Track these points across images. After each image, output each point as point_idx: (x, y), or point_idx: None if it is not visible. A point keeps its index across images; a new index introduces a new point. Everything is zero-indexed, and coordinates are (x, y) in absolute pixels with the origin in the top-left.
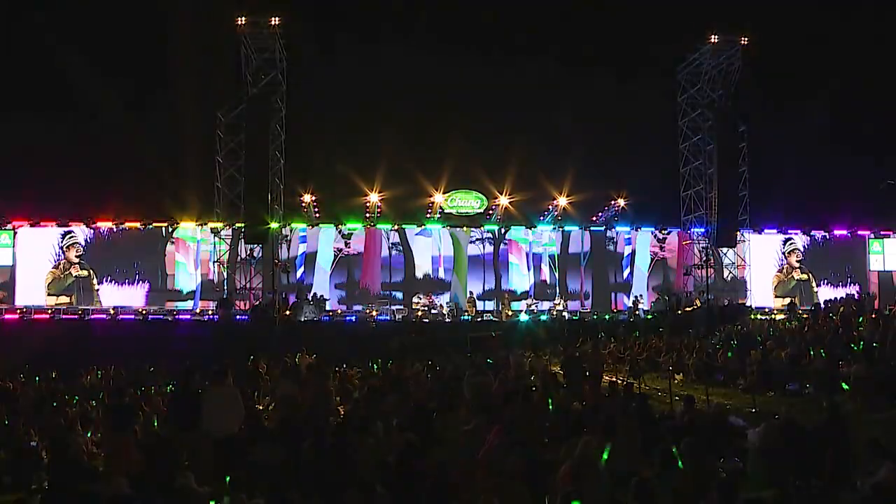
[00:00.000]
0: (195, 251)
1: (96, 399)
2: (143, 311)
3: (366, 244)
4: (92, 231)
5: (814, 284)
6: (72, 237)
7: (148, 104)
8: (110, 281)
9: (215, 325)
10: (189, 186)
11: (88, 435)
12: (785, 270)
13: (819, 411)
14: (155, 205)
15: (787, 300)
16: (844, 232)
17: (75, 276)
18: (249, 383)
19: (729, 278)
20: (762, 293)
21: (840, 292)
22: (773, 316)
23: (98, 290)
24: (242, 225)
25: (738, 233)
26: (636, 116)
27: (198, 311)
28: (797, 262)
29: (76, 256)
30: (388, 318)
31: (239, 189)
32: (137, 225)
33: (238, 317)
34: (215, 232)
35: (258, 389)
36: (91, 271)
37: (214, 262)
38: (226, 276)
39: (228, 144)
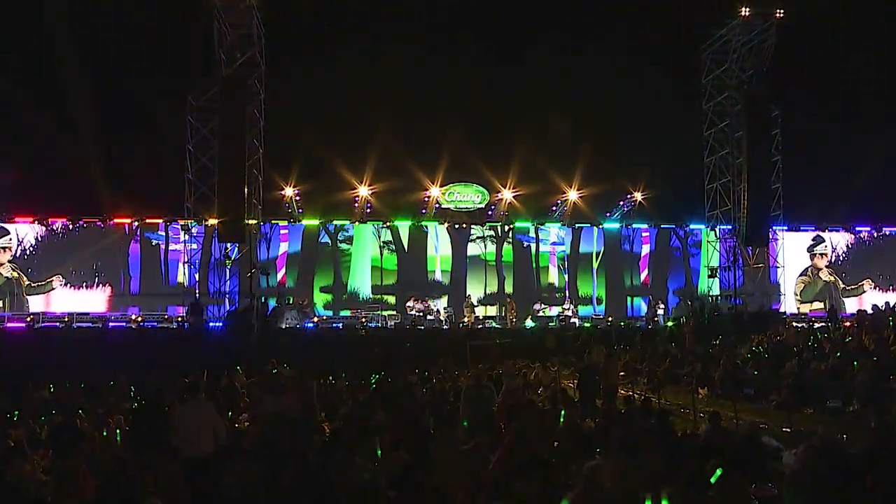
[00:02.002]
0: (162, 251)
1: (46, 417)
2: (103, 318)
3: (354, 243)
4: (44, 229)
5: (842, 286)
6: None
7: (108, 84)
8: (65, 285)
9: (185, 334)
10: (156, 178)
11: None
12: (811, 272)
13: (866, 432)
14: (117, 199)
15: (816, 305)
16: (895, 229)
17: (6, 277)
18: (224, 398)
19: (759, 281)
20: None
21: (890, 296)
22: (811, 323)
23: (27, 295)
24: (216, 221)
25: (771, 230)
26: (655, 100)
27: (165, 317)
28: (825, 264)
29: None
30: (380, 324)
31: (212, 181)
32: (97, 221)
33: (211, 324)
34: (185, 229)
35: (234, 405)
36: (21, 274)
37: (184, 262)
38: (197, 279)
39: (200, 131)
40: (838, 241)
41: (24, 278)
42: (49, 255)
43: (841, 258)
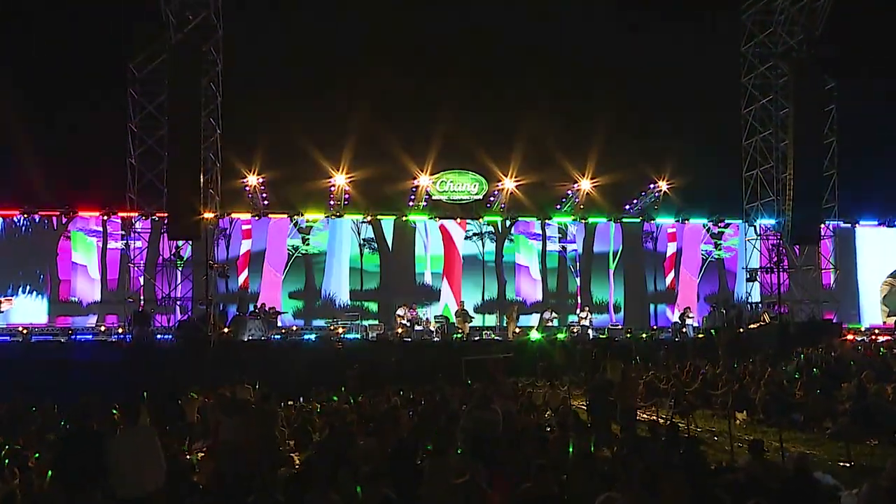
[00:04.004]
0: (99, 250)
1: None
2: (24, 331)
3: (329, 241)
4: None
5: None
6: None
7: (33, 51)
8: None
9: (127, 348)
10: (91, 163)
11: None
12: None
13: None
14: (44, 187)
15: None
16: None
17: None
18: (173, 424)
19: (809, 286)
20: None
21: None
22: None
23: None
24: (165, 215)
25: (823, 226)
26: (684, 72)
27: (102, 328)
28: None
29: None
30: (360, 336)
31: (160, 168)
32: (17, 214)
33: (159, 336)
34: (128, 224)
35: (186, 432)
36: None
37: (128, 264)
38: (142, 283)
39: (145, 108)
40: None
41: None
42: None
43: None
